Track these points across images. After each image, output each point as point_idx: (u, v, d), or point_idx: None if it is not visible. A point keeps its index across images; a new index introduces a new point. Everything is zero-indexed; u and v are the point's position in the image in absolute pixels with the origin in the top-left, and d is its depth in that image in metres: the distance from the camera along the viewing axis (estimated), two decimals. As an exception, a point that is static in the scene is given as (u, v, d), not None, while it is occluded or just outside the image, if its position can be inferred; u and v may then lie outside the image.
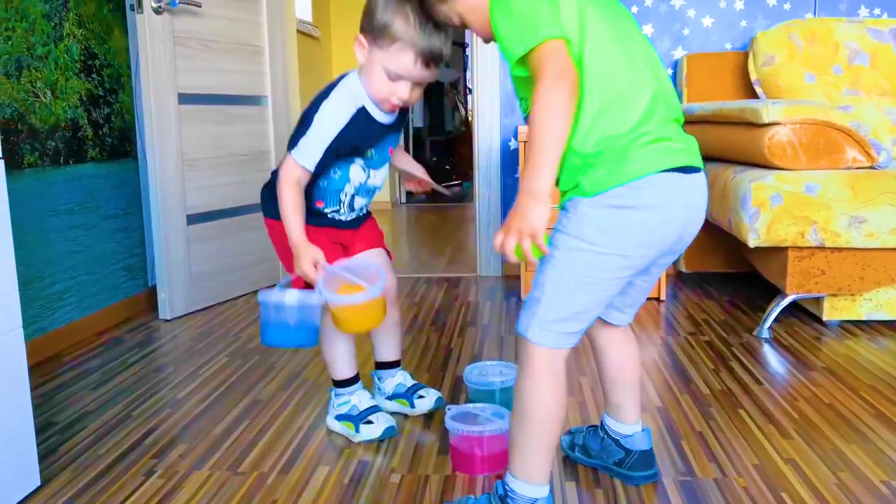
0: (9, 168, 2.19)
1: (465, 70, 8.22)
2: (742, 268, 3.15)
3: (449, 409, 1.56)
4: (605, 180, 1.16)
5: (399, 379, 1.84)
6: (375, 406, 1.72)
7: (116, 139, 2.80)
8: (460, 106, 7.97)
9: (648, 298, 2.82)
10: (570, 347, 1.24)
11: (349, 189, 1.64)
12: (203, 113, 2.85)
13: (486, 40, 1.31)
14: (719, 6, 3.27)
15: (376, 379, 1.87)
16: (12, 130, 2.23)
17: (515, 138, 3.34)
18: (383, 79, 1.50)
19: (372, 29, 1.48)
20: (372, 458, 1.58)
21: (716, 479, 1.45)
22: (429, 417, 1.79)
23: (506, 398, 1.73)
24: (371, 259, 1.72)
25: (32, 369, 2.15)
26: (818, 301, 2.44)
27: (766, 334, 2.35)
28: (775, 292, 2.46)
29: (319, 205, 1.64)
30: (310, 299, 1.51)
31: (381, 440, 1.66)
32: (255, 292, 3.02)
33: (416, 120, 7.03)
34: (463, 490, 1.44)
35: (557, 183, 1.22)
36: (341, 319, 1.55)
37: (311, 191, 1.61)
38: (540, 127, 1.10)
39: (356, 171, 1.62)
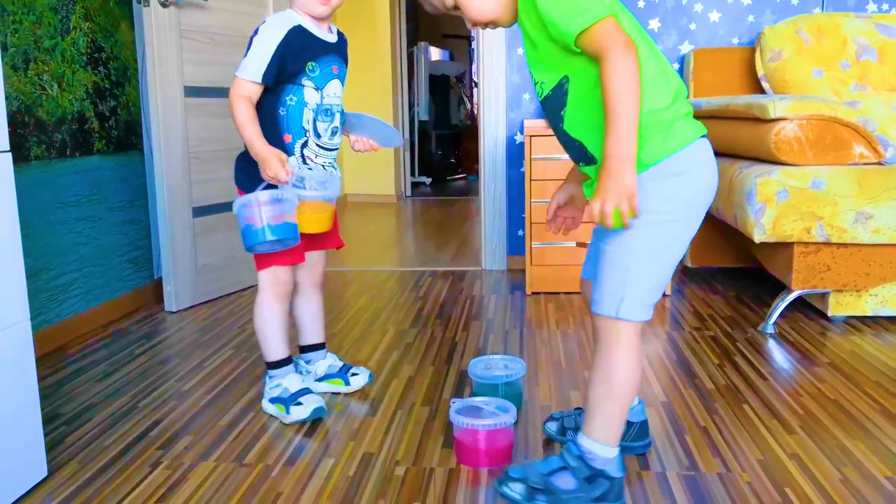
0: (16, 160, 2.20)
1: (470, 64, 8.21)
2: (748, 263, 3.14)
3: (454, 403, 1.57)
4: (660, 149, 1.24)
5: (329, 360, 1.95)
6: (306, 388, 1.78)
7: (123, 132, 2.81)
8: (466, 100, 7.96)
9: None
10: (648, 319, 1.31)
11: (308, 114, 1.71)
12: (209, 106, 2.85)
13: (475, 24, 1.35)
14: (726, 1, 3.26)
15: (303, 363, 1.95)
16: (19, 123, 2.23)
17: (521, 132, 3.34)
18: None
19: None
20: (376, 451, 1.59)
21: (719, 474, 1.45)
22: (364, 393, 1.92)
23: (510, 392, 1.73)
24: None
25: (39, 361, 2.16)
26: (823, 297, 2.43)
27: (771, 329, 2.35)
28: (781, 288, 2.46)
29: (287, 139, 1.71)
30: (283, 194, 1.60)
31: (309, 420, 1.73)
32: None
33: (422, 113, 7.03)
34: (468, 483, 1.44)
35: None
36: (305, 217, 1.65)
37: (276, 126, 1.69)
38: (617, 94, 1.16)
39: (309, 93, 1.70)
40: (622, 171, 1.17)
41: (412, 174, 6.73)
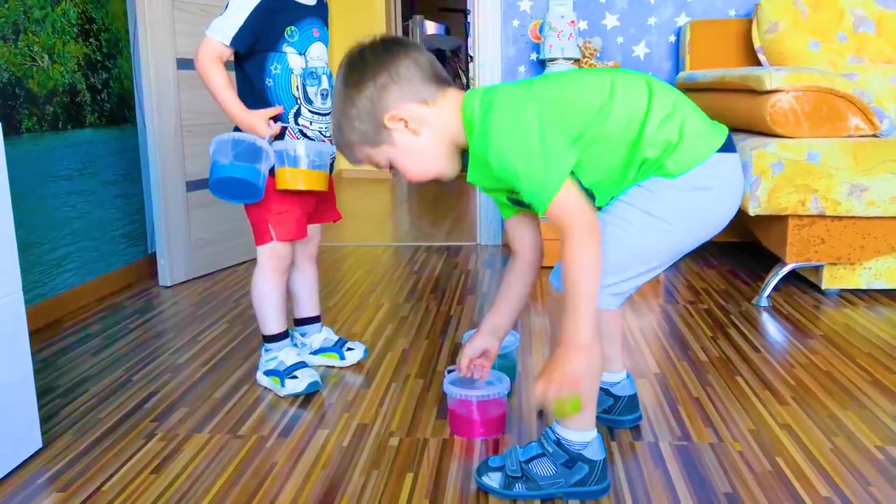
0: (7, 133, 2.19)
1: (466, 37, 8.14)
2: (743, 237, 3.15)
3: (448, 374, 1.57)
4: (682, 161, 1.19)
5: (325, 334, 1.95)
6: (301, 362, 1.78)
7: (115, 105, 2.78)
8: (462, 74, 7.90)
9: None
10: (615, 308, 1.29)
11: (296, 80, 1.69)
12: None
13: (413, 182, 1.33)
14: (724, -28, 3.23)
15: (299, 335, 1.95)
16: (10, 95, 2.21)
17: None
18: None
19: None
20: (371, 422, 1.59)
21: (712, 444, 1.46)
22: (359, 367, 1.92)
23: (504, 364, 1.74)
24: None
25: (33, 335, 2.16)
26: (817, 270, 2.44)
27: (765, 303, 2.35)
28: (775, 261, 2.46)
29: (279, 110, 1.70)
30: (261, 143, 1.59)
31: (304, 394, 1.73)
32: (255, 259, 3.02)
33: (417, 88, 6.98)
34: (461, 454, 1.45)
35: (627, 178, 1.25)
36: (283, 175, 1.63)
37: (265, 99, 1.69)
38: (577, 283, 1.14)
39: (293, 58, 1.68)
40: (572, 360, 1.15)
41: (408, 149, 6.70)
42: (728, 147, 1.24)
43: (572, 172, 1.18)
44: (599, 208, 1.28)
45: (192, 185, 2.82)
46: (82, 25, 2.58)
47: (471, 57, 7.68)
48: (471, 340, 1.52)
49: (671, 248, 1.26)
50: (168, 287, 2.73)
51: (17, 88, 2.25)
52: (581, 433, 1.29)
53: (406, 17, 6.78)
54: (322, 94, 1.74)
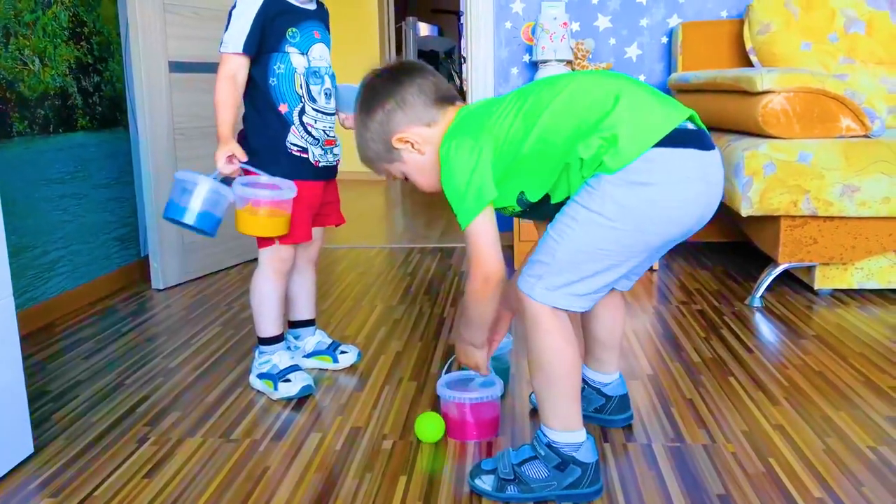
0: (-3, 136, 2.18)
1: (459, 38, 8.15)
2: (735, 237, 3.15)
3: (441, 377, 1.57)
4: (620, 156, 1.17)
5: (318, 337, 1.95)
6: (295, 365, 1.77)
7: (107, 108, 2.77)
8: (455, 75, 7.91)
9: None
10: (580, 311, 1.28)
11: (299, 79, 1.70)
12: (194, 81, 2.82)
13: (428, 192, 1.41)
14: (715, -27, 3.24)
15: (292, 338, 1.95)
16: (1, 99, 2.20)
17: (509, 107, 3.31)
18: None
19: None
20: (364, 425, 1.59)
21: (705, 445, 1.46)
22: (352, 370, 1.92)
23: (498, 366, 1.74)
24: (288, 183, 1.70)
25: (25, 339, 2.15)
26: (810, 270, 2.44)
27: (757, 303, 2.36)
28: (768, 262, 2.47)
29: (284, 108, 1.71)
30: (221, 189, 1.59)
31: (297, 398, 1.73)
32: (248, 262, 3.03)
33: (411, 90, 6.97)
34: (454, 457, 1.45)
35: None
36: (244, 219, 1.62)
37: (269, 99, 1.69)
38: (473, 312, 1.34)
39: (296, 58, 1.70)
40: (470, 351, 1.45)
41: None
42: (680, 142, 1.19)
43: (522, 192, 1.30)
44: (558, 204, 1.29)
45: (185, 188, 2.80)
46: (73, 29, 2.57)
47: (464, 58, 7.69)
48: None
49: (622, 246, 1.22)
50: (161, 290, 2.72)
51: (8, 92, 2.24)
52: (569, 433, 1.28)
53: (399, 18, 6.78)
54: (325, 94, 1.75)
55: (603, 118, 1.19)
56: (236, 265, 3.04)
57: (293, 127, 1.72)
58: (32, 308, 2.29)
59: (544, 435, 1.30)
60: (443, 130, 1.32)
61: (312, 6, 1.76)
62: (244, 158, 1.65)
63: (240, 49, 1.64)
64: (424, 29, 7.49)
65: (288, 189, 1.64)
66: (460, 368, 1.55)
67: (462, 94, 7.71)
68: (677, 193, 1.20)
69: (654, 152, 1.17)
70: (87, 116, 2.65)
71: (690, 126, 1.23)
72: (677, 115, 1.22)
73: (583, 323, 1.53)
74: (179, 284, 2.79)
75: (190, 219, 1.56)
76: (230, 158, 1.64)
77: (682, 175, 1.20)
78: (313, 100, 1.73)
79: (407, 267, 3.02)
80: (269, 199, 1.62)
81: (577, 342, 1.30)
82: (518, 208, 1.34)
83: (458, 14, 8.02)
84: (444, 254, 3.25)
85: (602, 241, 1.22)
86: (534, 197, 1.30)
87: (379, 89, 1.34)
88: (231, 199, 1.61)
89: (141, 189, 2.84)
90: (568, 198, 1.26)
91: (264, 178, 1.65)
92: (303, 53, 1.71)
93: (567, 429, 1.28)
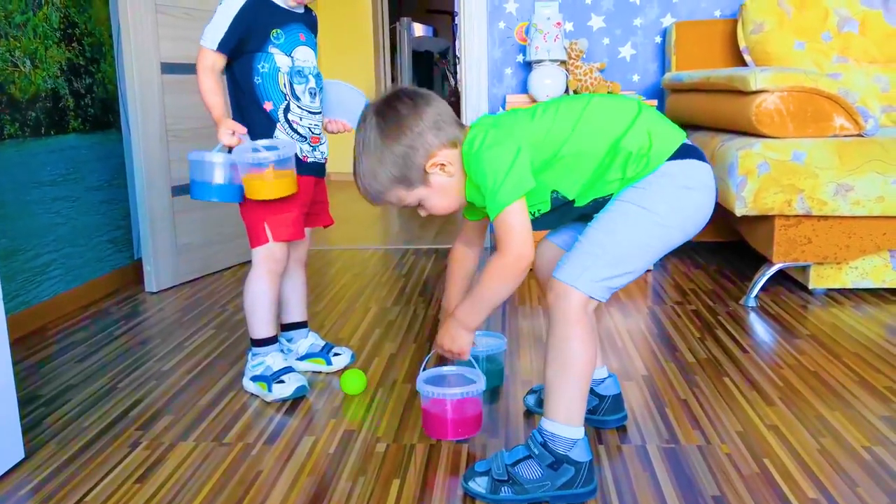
0: (-12, 139, 2.17)
1: (454, 39, 8.14)
2: (730, 236, 3.15)
3: (421, 373, 1.56)
4: (662, 151, 1.29)
5: (311, 340, 1.94)
6: (288, 367, 1.77)
7: (99, 110, 2.76)
8: (450, 76, 7.90)
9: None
10: (605, 300, 1.32)
11: (283, 78, 1.71)
12: (186, 83, 2.81)
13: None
14: (709, -27, 3.24)
15: (285, 341, 1.94)
16: (-9, 101, 2.19)
17: (503, 108, 3.31)
18: None
19: None
20: (357, 428, 1.58)
21: (699, 446, 1.46)
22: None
23: (491, 367, 1.73)
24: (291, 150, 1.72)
25: (17, 343, 2.14)
26: (804, 269, 2.44)
27: (752, 303, 2.36)
28: (763, 261, 2.47)
29: (269, 106, 1.72)
30: (234, 157, 1.63)
31: (291, 399, 1.73)
32: (242, 264, 3.02)
33: (405, 91, 6.96)
34: (448, 460, 1.44)
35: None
36: (254, 185, 1.64)
37: (254, 97, 1.71)
38: (488, 288, 1.33)
39: (280, 58, 1.70)
40: (455, 331, 1.40)
41: (396, 152, 6.67)
42: (694, 154, 1.32)
43: (555, 191, 1.34)
44: (579, 209, 1.36)
45: (178, 190, 2.80)
46: (65, 30, 2.55)
47: (458, 58, 7.68)
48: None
49: (664, 244, 1.31)
50: (154, 293, 2.71)
51: (0, 94, 2.23)
52: (570, 428, 1.28)
53: (394, 19, 6.77)
54: (311, 93, 1.76)
55: (636, 117, 1.31)
56: (230, 267, 3.03)
57: (279, 124, 1.73)
58: (24, 311, 2.28)
59: (540, 434, 1.30)
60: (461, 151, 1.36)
61: (300, 10, 1.76)
62: (243, 131, 1.66)
63: (214, 47, 1.66)
64: (419, 29, 7.48)
65: (288, 146, 1.66)
66: (439, 362, 1.53)
67: (456, 94, 7.70)
68: (709, 199, 1.33)
69: (686, 162, 1.29)
70: (80, 118, 2.64)
71: (689, 142, 1.35)
72: (681, 131, 1.35)
73: None
74: (173, 287, 2.78)
75: (217, 194, 1.64)
76: (231, 133, 1.65)
77: (710, 183, 1.33)
78: (297, 98, 1.74)
79: (402, 268, 3.01)
80: (272, 159, 1.63)
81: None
82: (548, 207, 1.37)
83: (452, 14, 8.01)
84: (439, 255, 3.24)
85: (651, 237, 1.29)
86: (569, 195, 1.34)
87: (403, 112, 1.33)
88: (240, 162, 1.64)
89: (134, 191, 2.83)
90: (594, 201, 1.33)
91: (262, 141, 1.67)
92: (287, 54, 1.71)
93: (569, 423, 1.29)
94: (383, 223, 4.33)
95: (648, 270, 2.81)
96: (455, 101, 7.61)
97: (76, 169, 2.60)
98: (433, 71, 7.56)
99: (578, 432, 1.29)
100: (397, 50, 6.91)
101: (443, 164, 1.34)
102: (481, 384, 1.53)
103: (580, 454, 1.29)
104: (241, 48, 1.68)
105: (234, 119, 1.74)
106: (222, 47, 1.66)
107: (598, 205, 1.34)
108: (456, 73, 7.96)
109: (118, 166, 2.87)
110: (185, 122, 2.82)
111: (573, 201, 1.35)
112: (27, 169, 2.35)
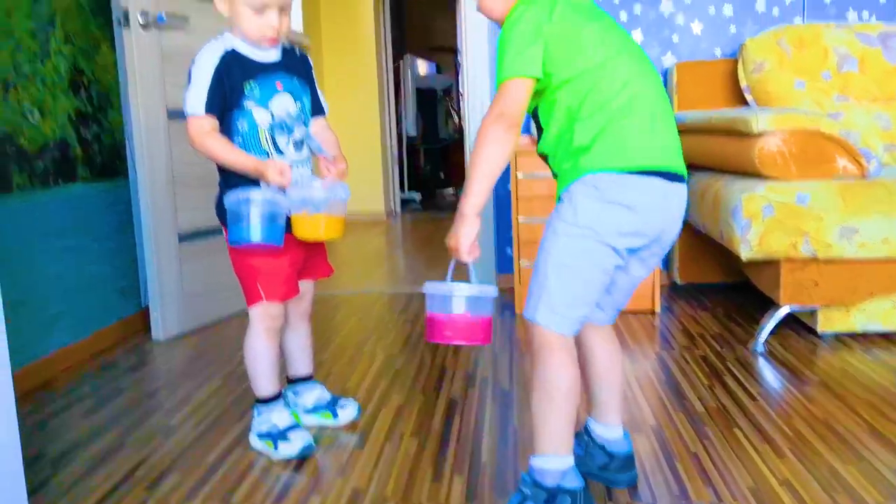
0: (-4, 193, 2.18)
1: (457, 76, 8.22)
2: (737, 277, 3.14)
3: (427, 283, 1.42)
4: (595, 161, 1.28)
5: (318, 392, 1.92)
6: (294, 424, 1.76)
7: (107, 157, 2.78)
8: (453, 113, 7.96)
9: (642, 311, 2.81)
10: (575, 334, 1.34)
11: (264, 134, 1.67)
12: (193, 131, 2.83)
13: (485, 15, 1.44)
14: (708, 12, 3.27)
15: (292, 394, 1.93)
16: (0, 152, 2.21)
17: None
18: (250, 16, 1.62)
19: None
20: (365, 486, 1.57)
21: None
22: (352, 426, 1.89)
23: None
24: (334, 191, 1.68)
25: (24, 397, 2.13)
26: (812, 312, 2.43)
27: (760, 348, 2.34)
28: (770, 302, 2.46)
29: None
30: (276, 199, 1.60)
31: (298, 458, 1.70)
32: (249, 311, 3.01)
33: (409, 128, 7.02)
34: (457, 519, 1.43)
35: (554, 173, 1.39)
36: (302, 223, 1.63)
37: None
38: (474, 155, 1.29)
39: (258, 113, 1.67)
40: (458, 223, 1.31)
41: (401, 190, 6.71)
42: (650, 172, 1.29)
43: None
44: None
45: (184, 237, 2.81)
46: (72, 79, 2.58)
47: (462, 95, 7.74)
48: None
49: (597, 262, 1.30)
50: (161, 342, 2.71)
51: (8, 145, 2.24)
52: (557, 458, 1.31)
53: (397, 57, 6.84)
54: (295, 144, 1.72)
55: (623, 107, 1.28)
56: (237, 313, 3.03)
57: (263, 183, 1.65)
58: (32, 364, 2.28)
59: (529, 474, 1.32)
60: None
61: (274, 57, 1.70)
62: (288, 167, 1.62)
63: (202, 111, 1.62)
64: (422, 67, 7.55)
65: (341, 189, 1.65)
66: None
67: (461, 131, 7.75)
68: (639, 219, 1.29)
69: (620, 176, 1.27)
70: (87, 167, 2.65)
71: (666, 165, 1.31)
72: (661, 156, 1.30)
73: (581, 368, 1.49)
74: (180, 335, 2.78)
75: (255, 237, 1.60)
76: (280, 172, 1.60)
77: (644, 202, 1.29)
78: (281, 153, 1.69)
79: (407, 313, 3.01)
80: (324, 200, 1.62)
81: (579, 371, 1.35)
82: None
83: (454, 51, 8.09)
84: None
85: (582, 254, 1.29)
86: (546, 133, 1.36)
87: None
88: (287, 207, 1.62)
89: (141, 238, 2.84)
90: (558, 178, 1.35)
91: (316, 182, 1.65)
92: (264, 107, 1.67)
93: (556, 453, 1.31)
94: (389, 264, 4.34)
95: (654, 312, 2.80)
96: (459, 138, 7.66)
97: (83, 218, 2.61)
98: (437, 108, 7.61)
99: (567, 461, 1.31)
100: (401, 87, 6.97)
101: None
102: (494, 289, 1.37)
103: (572, 481, 1.30)
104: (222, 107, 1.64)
105: (220, 181, 1.73)
106: (210, 108, 1.62)
107: (551, 168, 1.38)
108: (460, 109, 8.02)
109: (125, 213, 2.88)
110: (191, 169, 2.84)
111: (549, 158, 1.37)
112: (35, 219, 2.36)
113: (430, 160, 7.66)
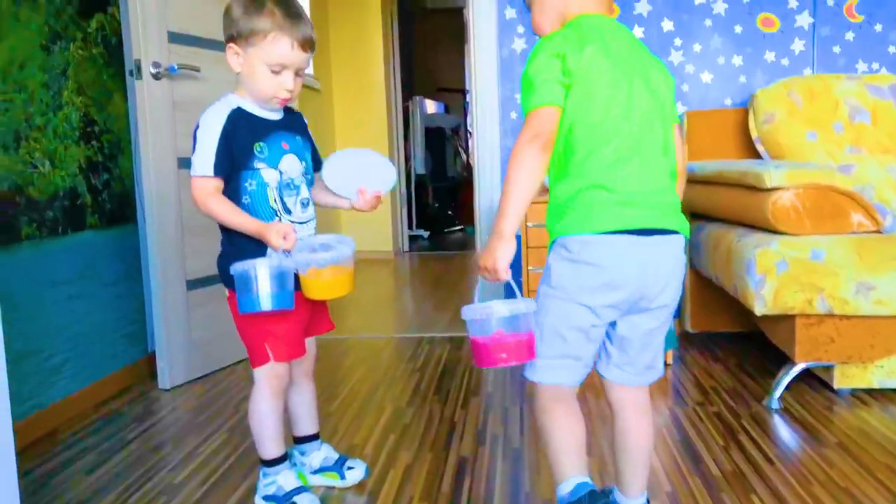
0: (6, 241, 2.18)
1: (465, 115, 8.27)
2: (749, 327, 3.10)
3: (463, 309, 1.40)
4: (561, 227, 1.34)
5: (325, 452, 1.89)
6: (301, 487, 1.73)
7: (116, 205, 2.78)
8: (462, 151, 7.99)
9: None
10: (571, 385, 1.41)
11: (272, 193, 1.66)
12: (203, 178, 2.83)
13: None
14: (718, 62, 3.28)
15: (298, 454, 1.89)
16: (10, 203, 2.21)
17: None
18: (267, 75, 1.61)
19: (241, 33, 1.60)
20: (374, 555, 1.53)
21: (730, 579, 1.40)
22: (360, 487, 1.85)
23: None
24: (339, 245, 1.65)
25: (26, 450, 2.10)
26: (828, 368, 2.39)
27: (776, 405, 2.30)
28: (784, 357, 2.42)
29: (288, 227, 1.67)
30: (282, 263, 1.58)
31: None
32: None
33: (418, 167, 7.05)
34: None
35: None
36: (311, 284, 1.60)
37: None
38: (509, 178, 1.31)
39: (267, 173, 1.66)
40: (491, 243, 1.31)
41: (410, 227, 6.71)
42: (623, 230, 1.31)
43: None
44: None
45: (192, 284, 2.80)
46: (84, 128, 2.59)
47: (470, 133, 7.78)
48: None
49: (566, 318, 1.35)
50: (167, 390, 2.68)
51: (18, 196, 2.24)
52: (562, 485, 1.40)
53: (406, 97, 6.89)
54: (302, 203, 1.71)
55: (588, 169, 1.32)
56: (243, 360, 3.00)
57: (269, 249, 1.63)
58: (36, 415, 2.25)
59: None
60: (560, 17, 1.43)
61: (278, 116, 1.70)
62: (291, 228, 1.60)
63: (211, 173, 1.59)
64: (431, 107, 7.60)
65: (346, 245, 1.63)
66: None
67: (469, 169, 7.78)
68: (603, 276, 1.31)
69: (592, 237, 1.30)
70: (96, 214, 2.65)
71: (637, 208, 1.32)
72: (633, 222, 1.30)
73: (613, 435, 1.49)
74: (186, 383, 2.75)
75: (266, 305, 1.58)
76: (283, 236, 1.58)
77: (610, 262, 1.30)
78: (289, 212, 1.68)
79: (416, 360, 2.97)
80: (329, 259, 1.59)
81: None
82: None
83: (463, 92, 8.15)
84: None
85: (550, 313, 1.35)
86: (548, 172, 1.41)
87: None
88: (294, 268, 1.60)
89: (149, 285, 2.82)
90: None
91: (320, 238, 1.64)
92: (273, 167, 1.66)
93: (562, 480, 1.40)
94: (398, 306, 4.31)
95: (667, 364, 2.76)
96: (468, 176, 7.68)
97: (92, 265, 2.60)
98: (446, 146, 7.65)
99: (570, 482, 1.38)
100: (410, 126, 7.01)
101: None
102: (532, 304, 1.34)
103: (579, 490, 1.37)
104: (230, 168, 1.63)
105: (222, 244, 1.72)
106: (219, 170, 1.60)
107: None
108: (468, 147, 8.05)
109: (134, 260, 2.87)
110: (200, 217, 2.80)
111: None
112: (43, 269, 2.35)
113: (439, 198, 7.67)
